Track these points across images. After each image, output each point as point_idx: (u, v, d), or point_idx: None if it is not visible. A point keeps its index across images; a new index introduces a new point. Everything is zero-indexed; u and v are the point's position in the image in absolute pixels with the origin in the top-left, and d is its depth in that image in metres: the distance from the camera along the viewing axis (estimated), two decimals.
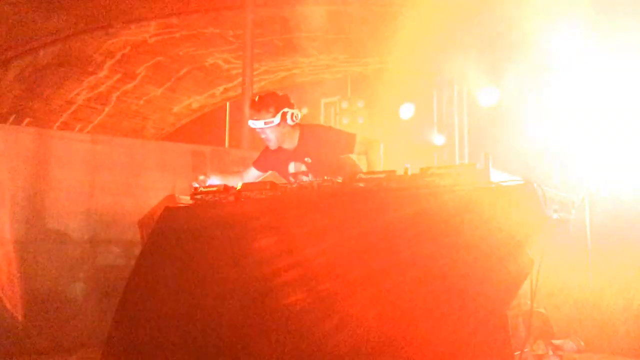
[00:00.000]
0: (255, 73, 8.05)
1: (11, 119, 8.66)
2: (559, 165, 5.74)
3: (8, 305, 4.92)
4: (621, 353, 3.72)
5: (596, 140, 5.43)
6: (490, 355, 2.10)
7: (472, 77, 7.12)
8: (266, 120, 3.35)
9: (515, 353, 2.23)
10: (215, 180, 3.36)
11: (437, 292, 2.24)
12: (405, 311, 2.26)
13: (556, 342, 2.74)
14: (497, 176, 2.48)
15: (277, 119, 3.35)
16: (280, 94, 3.50)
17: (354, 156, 3.62)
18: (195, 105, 10.75)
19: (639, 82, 5.36)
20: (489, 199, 2.36)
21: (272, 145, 3.45)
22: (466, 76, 7.26)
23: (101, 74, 8.94)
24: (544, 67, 6.12)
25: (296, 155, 3.49)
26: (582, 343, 2.85)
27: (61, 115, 9.29)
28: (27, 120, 8.78)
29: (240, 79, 8.61)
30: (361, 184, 2.70)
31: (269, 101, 3.39)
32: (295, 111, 3.41)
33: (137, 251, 4.85)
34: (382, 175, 2.69)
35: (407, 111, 8.15)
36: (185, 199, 3.25)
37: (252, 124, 3.42)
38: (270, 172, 3.68)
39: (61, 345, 4.99)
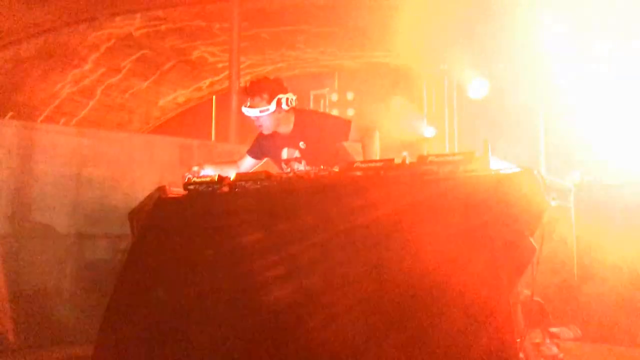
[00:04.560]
0: (241, 66, 7.98)
1: None
2: (547, 153, 5.78)
3: None
4: (616, 342, 3.75)
5: (585, 127, 5.46)
6: (492, 343, 2.08)
7: (462, 69, 7.13)
8: (261, 109, 3.28)
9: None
10: (209, 171, 3.30)
11: (439, 280, 2.22)
12: (406, 300, 2.24)
13: (553, 330, 2.74)
14: (496, 164, 2.46)
15: (272, 106, 3.28)
16: (273, 77, 3.42)
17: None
18: (181, 99, 10.64)
19: (628, 68, 5.41)
20: (489, 187, 2.34)
21: (266, 131, 3.39)
22: (456, 68, 7.26)
23: (86, 67, 8.80)
24: (533, 57, 6.14)
25: (290, 140, 3.43)
26: (579, 331, 2.85)
27: (45, 108, 9.14)
28: (10, 113, 8.61)
29: (226, 72, 8.53)
30: (358, 173, 2.66)
31: (263, 87, 3.32)
32: (290, 95, 3.34)
33: (125, 245, 4.79)
34: (380, 164, 2.66)
35: (397, 103, 8.15)
36: (178, 190, 3.19)
37: (247, 112, 3.35)
38: (265, 159, 3.62)
39: (48, 340, 4.91)
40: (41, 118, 9.19)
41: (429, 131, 7.99)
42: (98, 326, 3.00)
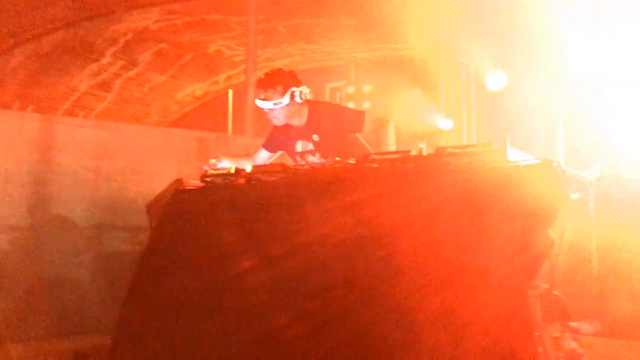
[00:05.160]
0: (257, 60, 7.98)
1: (15, 106, 8.61)
2: (567, 146, 5.70)
3: (15, 291, 4.91)
4: (637, 337, 3.69)
5: (605, 119, 5.38)
6: (510, 337, 2.06)
7: (480, 62, 7.06)
8: (275, 101, 3.27)
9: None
10: (225, 163, 3.30)
11: (455, 273, 2.20)
12: (423, 292, 2.22)
13: (573, 324, 2.70)
14: (514, 155, 2.43)
15: (286, 99, 3.27)
16: (287, 70, 3.41)
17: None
18: (198, 93, 10.69)
19: None
20: (507, 179, 2.31)
21: (280, 123, 3.39)
22: (474, 60, 7.20)
23: (104, 61, 8.88)
24: (552, 50, 6.06)
25: (304, 132, 3.42)
26: (600, 325, 2.81)
27: (65, 102, 9.25)
28: (31, 107, 8.73)
29: (243, 66, 8.55)
30: (374, 165, 2.65)
31: (276, 80, 3.31)
32: (304, 88, 3.33)
33: (143, 237, 4.83)
34: (397, 156, 2.64)
35: (414, 96, 8.10)
36: (195, 183, 3.20)
37: (260, 104, 3.34)
38: (280, 152, 3.62)
39: (67, 330, 4.97)
40: (61, 111, 9.30)
41: (446, 123, 7.93)
42: (116, 316, 3.03)
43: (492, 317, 2.11)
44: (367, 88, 8.59)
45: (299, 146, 3.47)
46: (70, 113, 9.40)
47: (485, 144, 2.44)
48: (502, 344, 2.09)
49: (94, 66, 8.94)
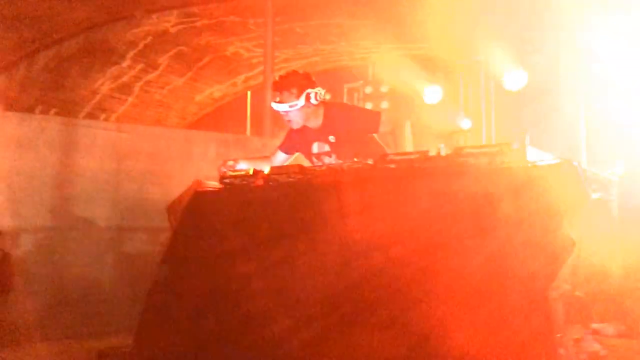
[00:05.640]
0: (275, 61, 8.01)
1: (38, 109, 8.75)
2: (589, 145, 5.62)
3: (39, 291, 4.98)
4: None
5: (628, 117, 5.29)
6: (531, 338, 2.05)
7: (500, 60, 7.00)
8: (290, 104, 3.28)
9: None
10: (243, 165, 3.32)
11: (476, 274, 2.19)
12: (443, 293, 2.21)
13: (595, 326, 2.67)
14: (534, 155, 2.41)
15: (301, 101, 3.27)
16: (301, 72, 3.41)
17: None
18: (217, 95, 10.76)
19: None
20: (526, 179, 2.29)
21: (296, 125, 3.39)
22: (493, 59, 7.13)
23: (124, 64, 8.98)
24: (572, 48, 5.98)
25: (320, 134, 3.42)
26: (623, 327, 2.77)
27: (86, 105, 9.37)
28: (53, 110, 8.87)
29: (261, 68, 8.58)
30: (392, 165, 2.64)
31: (291, 82, 3.31)
32: (319, 90, 3.33)
33: (163, 238, 4.87)
34: (415, 156, 2.63)
35: (432, 95, 8.06)
36: (214, 184, 3.23)
37: (276, 107, 3.36)
38: (297, 154, 3.62)
39: (88, 331, 5.04)
40: (82, 114, 9.43)
41: (465, 123, 7.87)
42: (137, 317, 3.06)
43: (512, 319, 2.09)
44: (384, 88, 8.56)
45: (315, 147, 3.48)
46: (91, 116, 9.53)
47: (504, 144, 2.42)
48: (523, 346, 2.08)
49: (114, 69, 9.05)
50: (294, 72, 3.42)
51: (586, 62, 5.91)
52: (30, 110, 8.43)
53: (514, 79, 7.11)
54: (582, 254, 2.32)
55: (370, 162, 2.78)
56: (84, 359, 4.12)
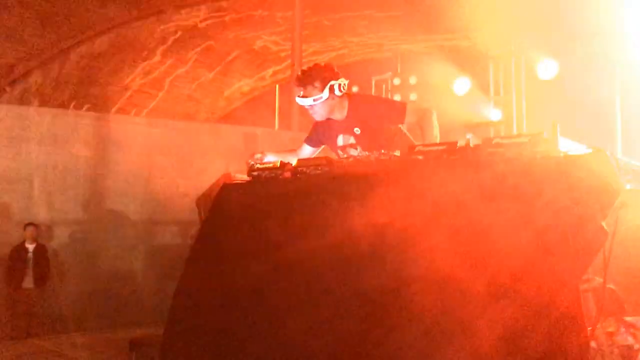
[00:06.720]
0: (303, 54, 8.01)
1: (72, 105, 8.93)
2: (624, 135, 5.47)
3: (72, 283, 5.11)
4: None
5: None
6: (562, 330, 2.01)
7: (532, 49, 6.86)
8: (315, 97, 3.25)
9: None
10: (270, 158, 3.33)
11: (503, 266, 2.15)
12: (472, 286, 2.19)
13: (628, 319, 2.60)
14: (565, 145, 2.35)
15: (325, 94, 3.25)
16: (323, 64, 3.38)
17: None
18: (245, 89, 10.82)
19: None
20: (557, 169, 2.24)
21: (320, 118, 3.37)
22: (525, 48, 6.99)
23: (154, 60, 9.10)
24: (608, 34, 5.82)
25: (345, 126, 3.39)
26: None
27: (118, 100, 9.52)
28: (86, 106, 9.04)
29: (289, 61, 8.59)
30: (420, 157, 2.61)
31: (314, 75, 3.28)
32: (342, 81, 3.29)
33: (193, 230, 4.94)
34: (443, 147, 2.59)
35: (461, 87, 7.95)
36: (242, 177, 3.24)
37: (301, 101, 3.34)
38: (323, 146, 3.61)
39: (122, 321, 5.14)
40: (114, 110, 9.60)
41: (495, 113, 7.75)
42: (168, 307, 3.11)
43: (543, 311, 2.05)
44: (413, 80, 8.48)
45: (341, 140, 3.45)
46: (123, 111, 9.70)
47: (534, 134, 2.37)
48: (553, 339, 2.04)
49: (144, 65, 9.17)
50: (316, 66, 3.39)
51: (622, 48, 5.74)
52: (64, 106, 8.61)
53: (547, 67, 6.96)
54: (615, 246, 2.25)
55: (397, 153, 2.76)
56: (117, 348, 4.20)
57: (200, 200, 3.51)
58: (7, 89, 8.25)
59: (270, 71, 10.28)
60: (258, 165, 3.16)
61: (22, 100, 8.25)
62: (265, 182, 3.04)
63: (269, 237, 2.86)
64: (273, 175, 3.02)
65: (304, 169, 2.94)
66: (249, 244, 2.97)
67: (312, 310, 2.68)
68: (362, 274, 2.59)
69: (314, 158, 3.24)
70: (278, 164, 3.03)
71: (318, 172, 2.89)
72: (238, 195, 3.10)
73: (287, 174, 3.01)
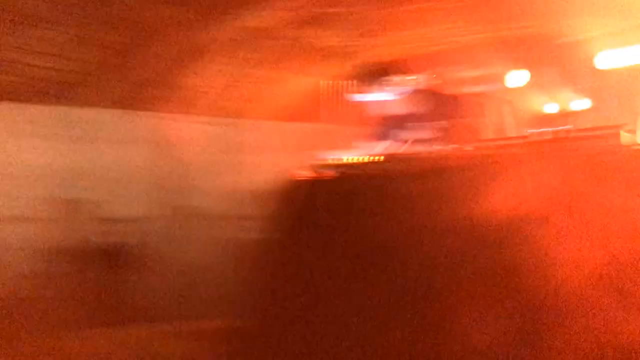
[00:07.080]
0: (371, 50, 7.96)
1: (139, 106, 9.19)
2: None
3: (153, 276, 5.33)
4: None
5: None
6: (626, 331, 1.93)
7: (598, 38, 6.55)
8: (386, 92, 3.28)
9: None
10: (341, 155, 3.37)
11: (600, 263, 2.08)
12: (570, 285, 2.11)
13: None
14: None
15: (397, 89, 3.27)
16: (395, 59, 3.38)
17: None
18: (311, 86, 10.85)
19: None
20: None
21: (393, 112, 3.39)
22: (591, 37, 6.69)
23: (221, 60, 9.26)
24: None
25: (415, 120, 3.40)
26: None
27: (187, 101, 9.74)
28: (157, 107, 9.31)
29: (354, 58, 8.56)
30: (499, 149, 2.58)
31: (388, 71, 3.31)
32: (417, 75, 3.30)
33: (266, 226, 5.05)
34: (517, 141, 2.56)
35: (541, 76, 7.71)
36: (309, 173, 3.28)
37: (371, 97, 3.37)
38: (393, 141, 3.61)
39: (198, 314, 5.31)
40: (181, 110, 9.84)
41: (576, 104, 7.48)
42: (242, 300, 3.18)
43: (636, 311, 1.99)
44: (486, 70, 8.29)
45: (413, 134, 3.46)
46: (187, 111, 9.92)
47: (614, 126, 2.30)
48: (619, 339, 1.97)
49: (211, 65, 9.35)
50: (389, 62, 3.41)
51: None
52: (132, 107, 8.85)
53: (615, 56, 6.64)
54: None
55: (469, 148, 2.74)
56: (198, 339, 4.35)
57: (270, 196, 3.59)
58: None
59: (337, 68, 10.29)
60: (330, 162, 3.19)
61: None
62: (341, 179, 3.05)
63: (357, 239, 2.80)
64: (350, 172, 3.04)
65: (382, 166, 2.94)
66: (338, 243, 2.91)
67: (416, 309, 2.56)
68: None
69: (392, 154, 3.24)
70: (353, 160, 3.06)
71: (399, 168, 2.86)
72: (315, 192, 3.12)
73: (359, 170, 3.02)
